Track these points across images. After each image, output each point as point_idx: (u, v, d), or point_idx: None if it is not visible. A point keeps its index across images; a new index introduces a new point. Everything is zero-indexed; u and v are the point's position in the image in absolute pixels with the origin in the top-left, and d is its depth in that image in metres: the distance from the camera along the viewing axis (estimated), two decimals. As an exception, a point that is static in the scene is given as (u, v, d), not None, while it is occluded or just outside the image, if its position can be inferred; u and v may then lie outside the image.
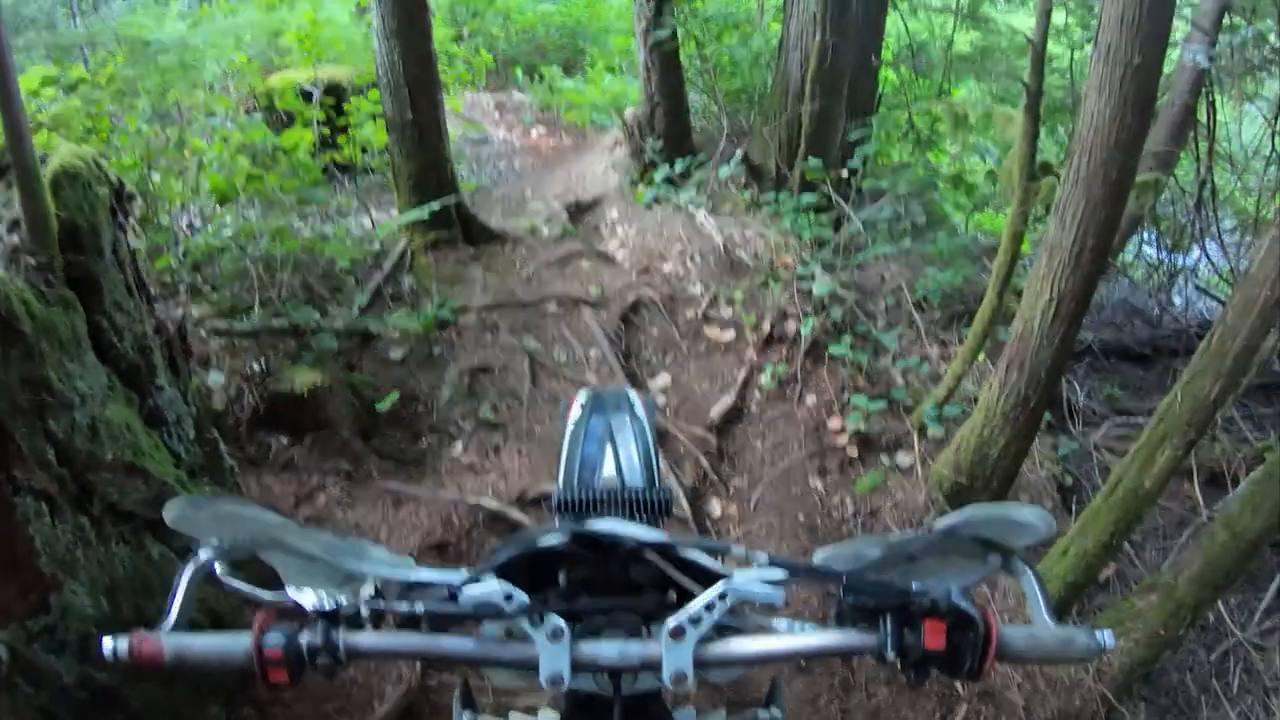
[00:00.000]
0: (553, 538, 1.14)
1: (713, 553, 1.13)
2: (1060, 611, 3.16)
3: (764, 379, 4.42)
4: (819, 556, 1.13)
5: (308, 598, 1.02)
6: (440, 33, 6.57)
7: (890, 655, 1.01)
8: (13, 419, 1.93)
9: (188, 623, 1.02)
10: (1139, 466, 2.93)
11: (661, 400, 4.25)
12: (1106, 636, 1.04)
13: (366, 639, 1.00)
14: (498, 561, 1.10)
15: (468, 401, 4.01)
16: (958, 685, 3.07)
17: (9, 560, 2.00)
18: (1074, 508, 3.96)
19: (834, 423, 4.19)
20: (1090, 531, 3.09)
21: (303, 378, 3.50)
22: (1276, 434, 4.58)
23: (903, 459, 4.02)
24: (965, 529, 1.12)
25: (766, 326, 4.67)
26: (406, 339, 4.23)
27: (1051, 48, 5.05)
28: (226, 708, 2.55)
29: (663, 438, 3.97)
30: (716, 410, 4.18)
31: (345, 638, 0.99)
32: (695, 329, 4.77)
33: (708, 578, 1.10)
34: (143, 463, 2.32)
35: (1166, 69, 5.22)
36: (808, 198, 5.25)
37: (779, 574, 1.16)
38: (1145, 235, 6.81)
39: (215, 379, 3.48)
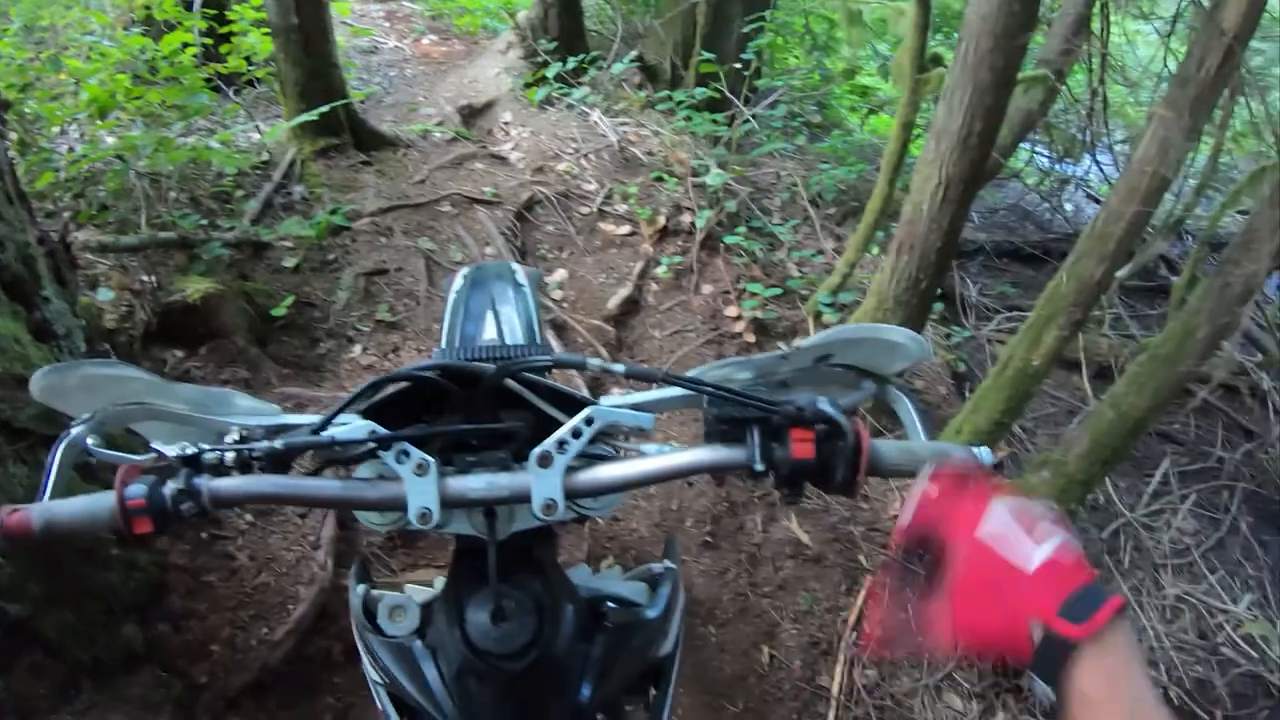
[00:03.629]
0: (413, 367, 1.14)
1: (569, 365, 1.14)
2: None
3: (660, 270, 4.46)
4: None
5: (171, 449, 1.02)
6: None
7: (758, 467, 1.01)
8: (-112, 336, 1.87)
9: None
10: (1027, 345, 3.04)
11: (558, 294, 4.26)
12: (984, 452, 1.04)
13: (230, 483, 1.00)
14: (360, 402, 1.10)
15: (365, 304, 3.98)
16: (861, 558, 3.18)
17: (-104, 493, 1.94)
18: (966, 393, 4.10)
19: (731, 310, 4.25)
20: (983, 409, 3.21)
21: (194, 287, 3.42)
22: (1159, 330, 4.78)
23: (794, 343, 4.09)
24: (839, 350, 1.15)
25: (662, 220, 4.70)
26: (300, 246, 4.16)
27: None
28: (141, 624, 2.51)
29: (560, 330, 4.00)
30: (614, 302, 4.22)
31: (209, 483, 0.98)
32: (591, 225, 4.78)
33: (578, 408, 1.10)
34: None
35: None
36: (702, 93, 5.25)
37: (646, 396, 1.18)
38: (1037, 146, 6.95)
39: (105, 295, 3.38)
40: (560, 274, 4.40)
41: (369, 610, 1.31)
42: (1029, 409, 3.64)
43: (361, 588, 1.36)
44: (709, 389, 1.07)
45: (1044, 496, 2.97)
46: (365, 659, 1.29)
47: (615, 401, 1.13)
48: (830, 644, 2.99)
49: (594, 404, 1.09)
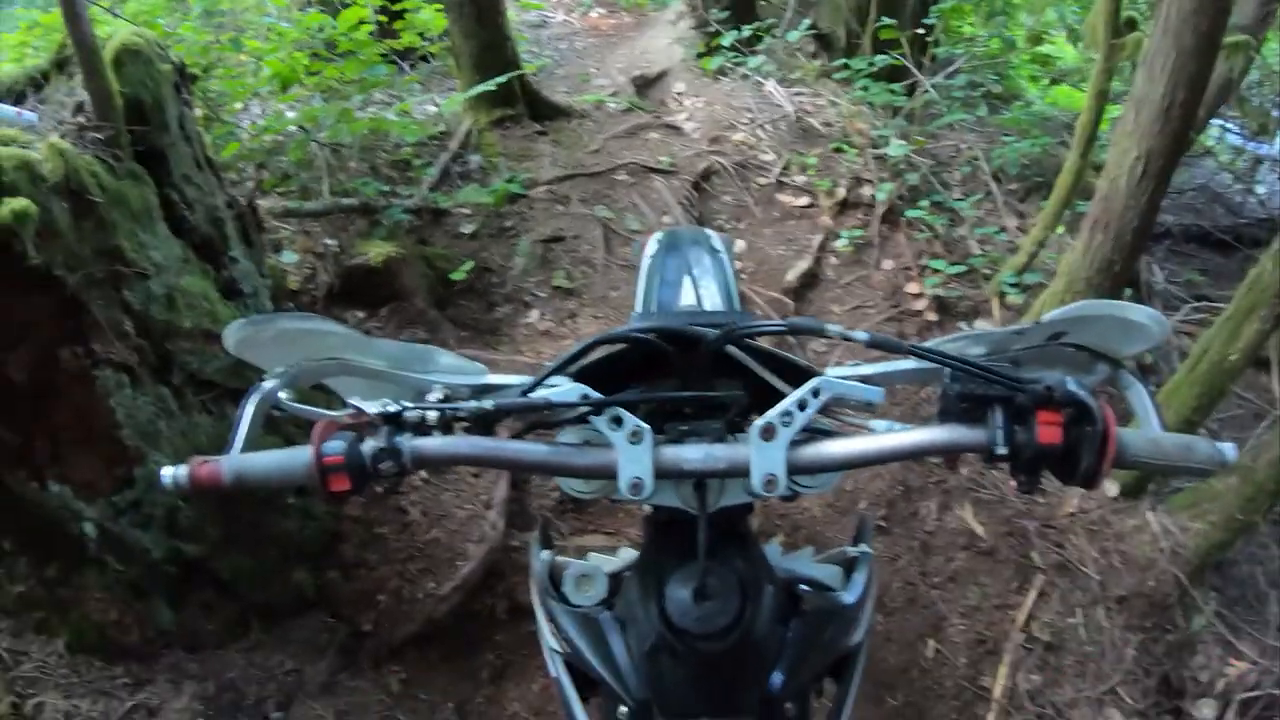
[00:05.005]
0: (631, 328, 1.08)
1: (806, 331, 1.05)
2: (1138, 488, 3.10)
3: (840, 244, 4.34)
4: None
5: (371, 406, 0.97)
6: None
7: (1001, 450, 0.91)
8: (88, 291, 1.93)
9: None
10: (1225, 339, 2.81)
11: (737, 265, 4.18)
12: (1229, 449, 0.93)
13: (432, 443, 0.94)
14: (574, 360, 1.05)
15: (541, 270, 4.01)
16: (1034, 556, 3.02)
17: (92, 434, 2.03)
18: (1153, 387, 3.86)
19: (912, 287, 4.10)
20: (1172, 405, 2.98)
21: (376, 250, 3.50)
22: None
23: (981, 326, 3.94)
24: (1074, 328, 1.04)
25: (841, 192, 4.58)
26: (477, 213, 4.21)
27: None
28: (313, 571, 2.60)
29: (740, 300, 3.93)
30: (793, 274, 4.12)
31: (411, 442, 0.93)
32: (768, 195, 4.70)
33: (800, 378, 1.03)
34: (221, 331, 2.31)
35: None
36: (882, 60, 5.09)
37: (875, 369, 1.09)
38: (1228, 122, 6.50)
39: (289, 258, 3.49)
40: (739, 245, 4.33)
41: (553, 577, 1.27)
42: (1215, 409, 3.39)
43: (546, 554, 1.31)
44: (955, 363, 0.97)
45: (1229, 505, 2.79)
46: (545, 626, 1.24)
47: (843, 373, 1.04)
48: (996, 643, 2.85)
49: (820, 374, 1.01)
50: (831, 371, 1.03)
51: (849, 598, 1.24)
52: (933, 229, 4.35)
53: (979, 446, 0.94)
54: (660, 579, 1.09)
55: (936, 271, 4.09)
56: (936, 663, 2.82)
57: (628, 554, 1.34)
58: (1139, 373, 1.07)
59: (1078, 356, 1.09)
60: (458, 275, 3.79)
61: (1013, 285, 3.98)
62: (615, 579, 1.23)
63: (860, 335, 1.00)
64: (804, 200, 4.64)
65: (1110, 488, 3.14)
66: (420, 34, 5.15)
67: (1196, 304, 4.43)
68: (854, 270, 4.27)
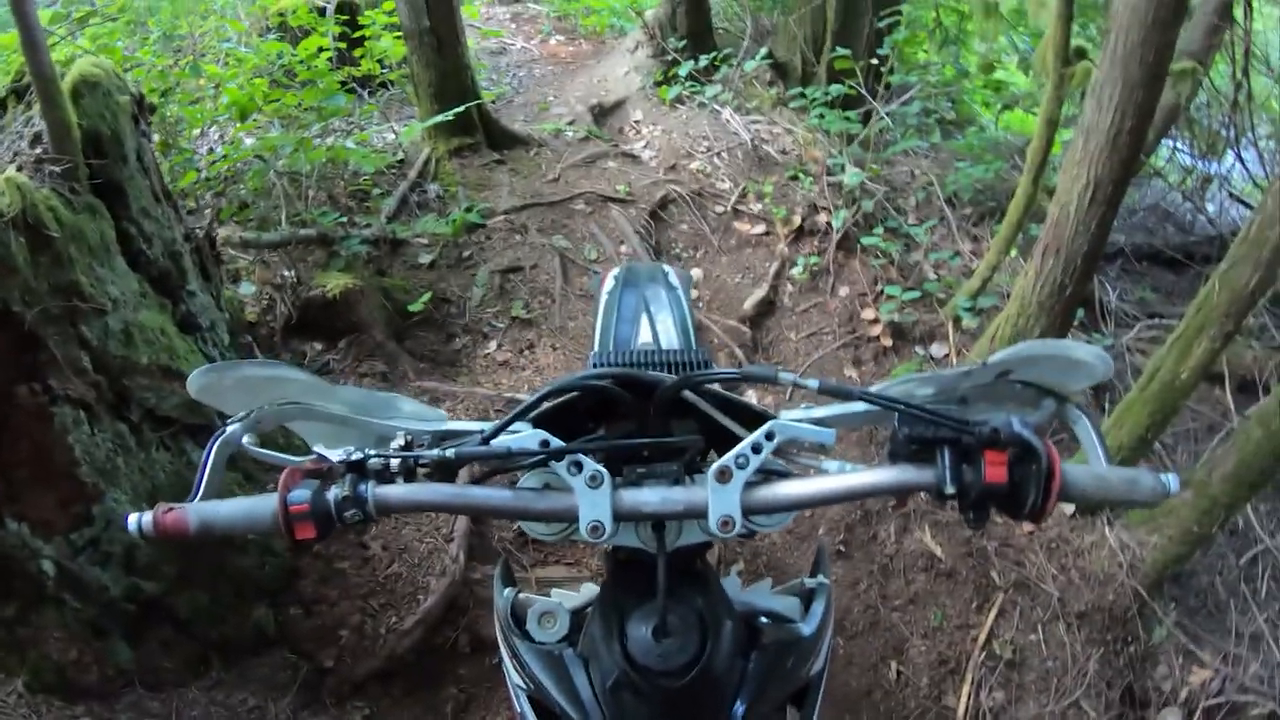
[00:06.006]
0: (587, 376, 1.10)
1: (759, 379, 1.08)
2: (1094, 506, 3.13)
3: (796, 271, 4.38)
4: None
5: (335, 453, 0.99)
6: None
7: (949, 490, 0.95)
8: (45, 327, 1.93)
9: (216, 497, 1.00)
10: (1175, 358, 2.86)
11: (694, 294, 4.20)
12: (1172, 480, 0.96)
13: (396, 491, 0.97)
14: (532, 408, 1.07)
15: (500, 301, 4.01)
16: (994, 575, 3.05)
17: (49, 471, 2.02)
18: (1106, 405, 3.91)
19: (868, 313, 4.14)
20: (1125, 424, 3.04)
21: (334, 282, 3.49)
22: (1311, 343, 4.47)
23: (937, 350, 3.97)
24: (1020, 367, 1.08)
25: (797, 220, 4.61)
26: (435, 243, 4.21)
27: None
28: (273, 608, 2.58)
29: (697, 330, 3.94)
30: (750, 302, 4.15)
31: (374, 490, 0.96)
32: (725, 224, 4.73)
33: (754, 421, 1.06)
34: (179, 366, 2.32)
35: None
36: (837, 89, 5.15)
37: (827, 412, 1.13)
38: (1177, 142, 6.61)
39: (247, 289, 3.48)
40: (695, 273, 4.36)
41: (516, 614, 1.28)
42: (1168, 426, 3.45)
43: (508, 591, 1.33)
44: (903, 406, 1.01)
45: (1185, 519, 2.83)
46: (509, 663, 1.25)
47: (796, 416, 1.08)
48: (959, 663, 2.87)
49: (774, 418, 1.04)
50: (785, 414, 1.06)
51: (807, 629, 1.27)
52: (888, 255, 4.39)
53: (928, 486, 0.97)
54: (621, 617, 1.11)
55: (891, 297, 4.12)
56: (899, 685, 2.83)
57: (590, 590, 1.36)
58: (1086, 407, 1.10)
59: (1025, 392, 1.12)
60: (416, 306, 3.79)
61: (967, 309, 4.01)
62: (578, 615, 1.25)
63: (811, 383, 1.03)
64: (760, 228, 4.68)
65: (1067, 506, 3.18)
66: (379, 61, 5.15)
67: (1150, 321, 4.50)
68: (810, 297, 4.30)
